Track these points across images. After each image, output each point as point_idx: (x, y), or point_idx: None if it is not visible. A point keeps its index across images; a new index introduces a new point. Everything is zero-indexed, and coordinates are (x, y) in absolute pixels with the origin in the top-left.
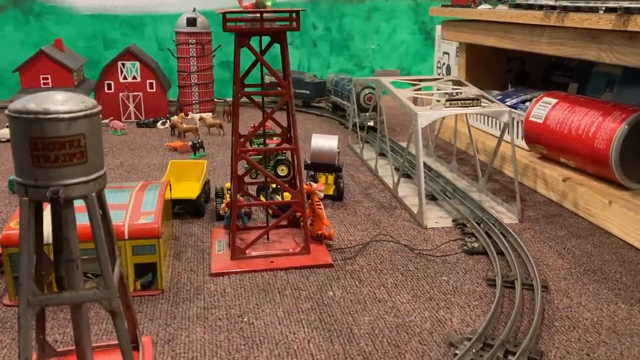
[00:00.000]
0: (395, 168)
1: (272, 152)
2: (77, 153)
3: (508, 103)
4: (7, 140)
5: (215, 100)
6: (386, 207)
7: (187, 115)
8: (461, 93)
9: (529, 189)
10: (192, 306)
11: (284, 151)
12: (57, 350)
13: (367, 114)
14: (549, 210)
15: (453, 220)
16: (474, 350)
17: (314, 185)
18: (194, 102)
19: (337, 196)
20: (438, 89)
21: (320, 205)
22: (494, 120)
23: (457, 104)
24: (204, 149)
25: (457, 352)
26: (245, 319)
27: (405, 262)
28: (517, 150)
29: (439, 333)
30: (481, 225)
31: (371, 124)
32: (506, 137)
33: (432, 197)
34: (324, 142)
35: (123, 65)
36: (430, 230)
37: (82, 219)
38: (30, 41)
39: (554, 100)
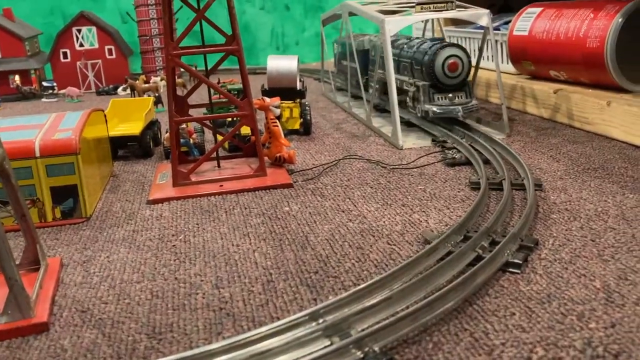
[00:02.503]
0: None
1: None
2: None
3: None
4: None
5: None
6: (359, 136)
7: (148, 80)
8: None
9: (518, 112)
10: (120, 230)
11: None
12: None
13: (467, 99)
14: (541, 125)
15: (433, 140)
16: (452, 242)
17: (267, 100)
18: (157, 68)
19: (304, 130)
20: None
21: (275, 122)
22: (474, 43)
23: (429, 8)
24: (163, 105)
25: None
26: (180, 237)
27: (376, 177)
28: (503, 76)
29: (412, 234)
30: (464, 140)
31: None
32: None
33: (410, 124)
34: (282, 62)
35: (79, 31)
36: (407, 150)
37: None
38: None
39: (538, 9)
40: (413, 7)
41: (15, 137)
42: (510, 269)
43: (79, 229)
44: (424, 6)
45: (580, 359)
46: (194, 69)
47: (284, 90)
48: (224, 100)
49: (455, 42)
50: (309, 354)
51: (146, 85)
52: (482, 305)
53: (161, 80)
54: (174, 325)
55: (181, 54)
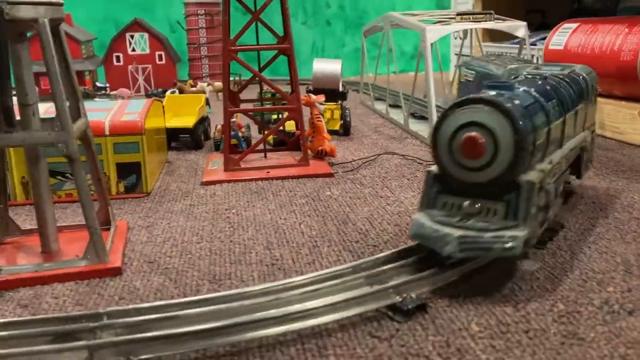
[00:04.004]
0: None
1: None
2: None
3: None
4: None
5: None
6: (396, 137)
7: (195, 85)
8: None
9: None
10: (178, 204)
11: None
12: (22, 229)
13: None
14: None
15: None
16: None
17: (313, 96)
18: (204, 74)
19: (344, 131)
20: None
21: (320, 118)
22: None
23: (469, 19)
24: (210, 107)
25: None
26: (233, 211)
27: (413, 172)
28: None
29: None
30: None
31: None
32: None
33: None
34: (327, 65)
35: (132, 37)
36: None
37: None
38: None
39: (574, 25)
40: (453, 18)
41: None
42: (537, 245)
43: (140, 202)
44: (464, 17)
45: (597, 313)
46: (248, 64)
47: (328, 91)
48: (273, 94)
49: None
50: (354, 296)
51: (193, 89)
52: (510, 271)
53: (207, 85)
54: (232, 274)
55: (238, 50)
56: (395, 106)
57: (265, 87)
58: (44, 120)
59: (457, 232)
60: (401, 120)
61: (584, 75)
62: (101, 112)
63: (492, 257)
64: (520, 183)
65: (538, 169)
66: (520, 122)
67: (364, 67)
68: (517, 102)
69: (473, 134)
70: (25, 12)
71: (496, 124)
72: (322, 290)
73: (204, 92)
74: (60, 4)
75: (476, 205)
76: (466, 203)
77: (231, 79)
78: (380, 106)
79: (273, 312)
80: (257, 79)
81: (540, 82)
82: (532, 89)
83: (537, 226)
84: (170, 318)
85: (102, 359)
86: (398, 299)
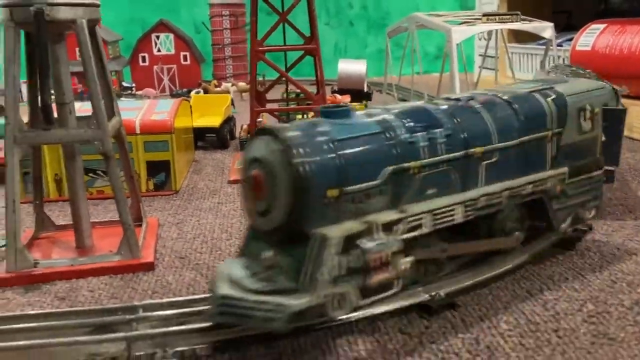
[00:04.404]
0: None
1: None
2: None
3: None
4: None
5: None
6: None
7: (219, 85)
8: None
9: None
10: (206, 202)
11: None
12: (57, 225)
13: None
14: None
15: None
16: None
17: (338, 96)
18: (227, 75)
19: None
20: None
21: None
22: (536, 59)
23: (495, 20)
24: (234, 107)
25: None
26: None
27: None
28: None
29: None
30: None
31: None
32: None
33: None
34: (352, 66)
35: (157, 37)
36: None
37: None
38: None
39: (602, 26)
40: (479, 19)
41: None
42: (565, 247)
43: (169, 199)
44: (490, 18)
45: (627, 314)
46: (275, 64)
47: (353, 91)
48: (298, 94)
49: (517, 60)
50: (384, 294)
51: (217, 89)
52: (538, 271)
53: (232, 85)
54: None
55: (265, 51)
56: None
57: (290, 87)
58: (79, 118)
59: (224, 291)
60: None
61: (565, 95)
62: (131, 111)
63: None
64: (311, 237)
65: (360, 221)
66: (299, 158)
67: (387, 67)
68: (309, 132)
69: (254, 171)
70: (64, 13)
71: (274, 159)
72: None
73: (228, 92)
74: (97, 5)
75: (268, 258)
76: (266, 254)
77: (245, 85)
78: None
79: None
80: (283, 79)
81: (435, 107)
82: (397, 116)
83: (335, 295)
84: (204, 312)
85: (140, 350)
86: (427, 297)
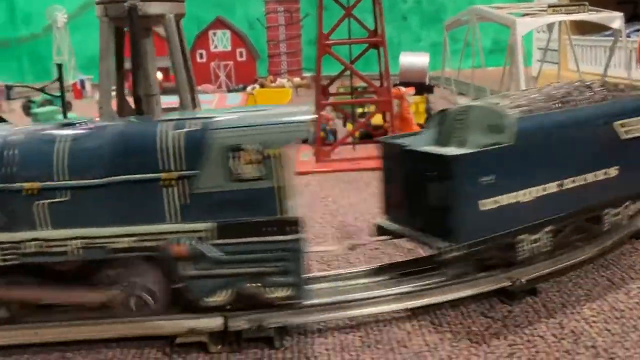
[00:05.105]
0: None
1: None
2: None
3: None
4: None
5: (304, 75)
6: None
7: (274, 80)
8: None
9: None
10: None
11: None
12: None
13: None
14: None
15: None
16: None
17: (403, 89)
18: (282, 71)
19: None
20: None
21: (409, 110)
22: (601, 52)
23: (561, 11)
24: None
25: None
26: (329, 199)
27: None
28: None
29: None
30: None
31: None
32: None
33: None
34: (414, 59)
35: (214, 34)
36: None
37: None
38: None
39: None
40: (543, 10)
41: None
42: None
43: None
44: (556, 9)
45: None
46: (341, 57)
47: (414, 84)
48: (355, 87)
49: (580, 52)
50: (467, 279)
51: (273, 85)
52: (618, 261)
53: (287, 81)
54: (339, 257)
55: (332, 44)
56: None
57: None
58: (163, 109)
59: None
60: None
61: (209, 129)
62: (204, 104)
63: None
64: None
65: None
66: None
67: (445, 61)
68: None
69: None
70: (154, 8)
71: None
72: (431, 272)
73: (284, 87)
74: (183, 0)
75: None
76: None
77: (309, 74)
78: (463, 101)
79: (385, 291)
80: (347, 72)
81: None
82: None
83: None
84: None
85: (236, 326)
86: (509, 282)
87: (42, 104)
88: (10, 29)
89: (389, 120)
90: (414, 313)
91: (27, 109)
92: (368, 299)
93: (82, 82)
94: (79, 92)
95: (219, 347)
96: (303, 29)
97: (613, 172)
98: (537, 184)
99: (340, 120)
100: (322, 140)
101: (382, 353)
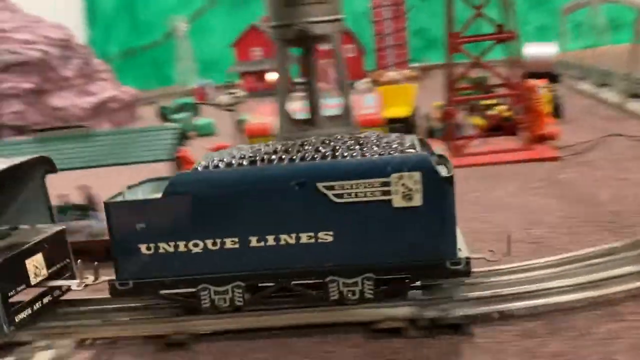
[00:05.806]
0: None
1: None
2: None
3: None
4: (227, 108)
5: (410, 67)
6: (613, 119)
7: (384, 74)
8: None
9: None
10: None
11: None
12: None
13: None
14: None
15: None
16: None
17: (533, 81)
18: (389, 64)
19: (556, 113)
20: None
21: (540, 102)
22: None
23: None
24: None
25: None
26: (476, 194)
27: None
28: None
29: None
30: None
31: None
32: None
33: None
34: (541, 49)
35: None
36: None
37: None
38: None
39: None
40: None
41: None
42: None
43: None
44: None
45: None
46: (468, 51)
47: (541, 74)
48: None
49: None
50: (631, 272)
51: (387, 79)
52: None
53: (397, 74)
54: (496, 250)
55: (463, 42)
56: (601, 85)
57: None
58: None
59: None
60: (614, 99)
61: None
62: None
63: None
64: None
65: None
66: None
67: (563, 45)
68: None
69: None
70: (322, 29)
71: None
72: (604, 264)
73: (395, 81)
74: (342, 19)
75: None
76: None
77: (416, 65)
78: (583, 86)
79: (565, 282)
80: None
81: None
82: None
83: None
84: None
85: (427, 315)
86: None
87: (176, 110)
88: (134, 38)
89: (518, 113)
90: (591, 303)
91: (163, 115)
92: (547, 289)
93: (203, 86)
94: (202, 96)
95: (415, 332)
96: (408, 21)
97: (326, 237)
98: (198, 237)
99: (464, 113)
100: (452, 135)
101: (566, 339)
